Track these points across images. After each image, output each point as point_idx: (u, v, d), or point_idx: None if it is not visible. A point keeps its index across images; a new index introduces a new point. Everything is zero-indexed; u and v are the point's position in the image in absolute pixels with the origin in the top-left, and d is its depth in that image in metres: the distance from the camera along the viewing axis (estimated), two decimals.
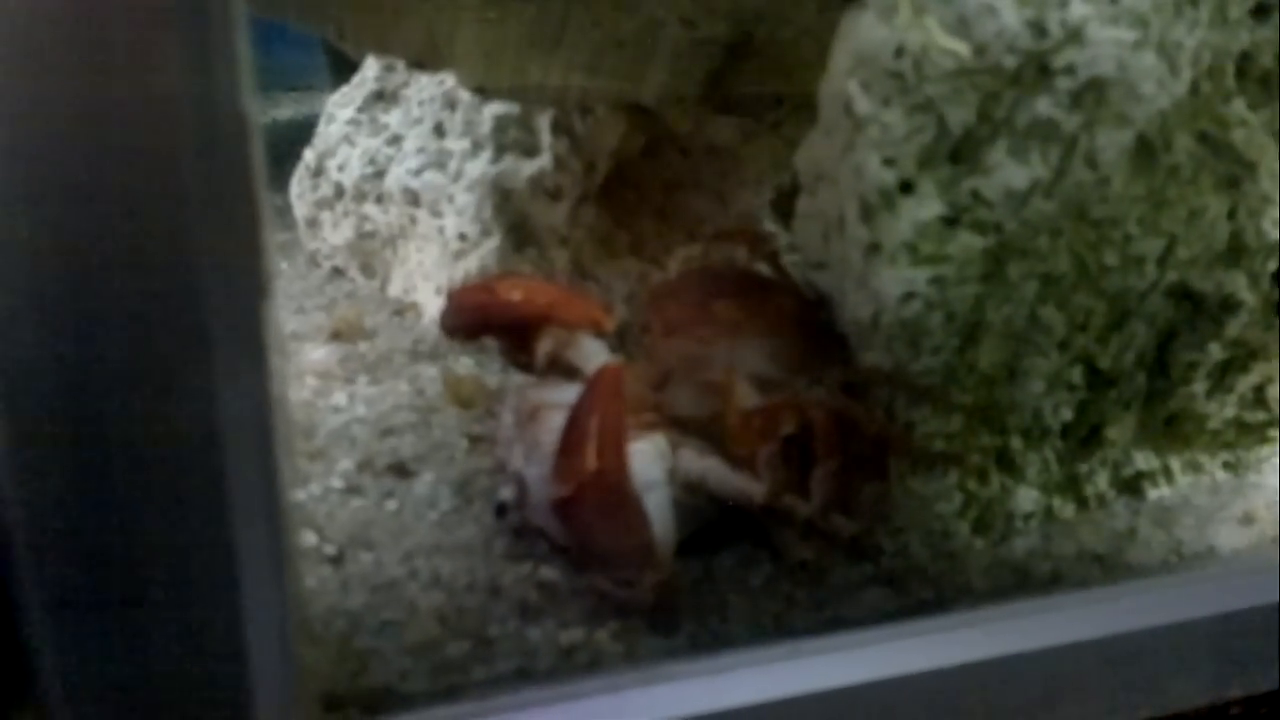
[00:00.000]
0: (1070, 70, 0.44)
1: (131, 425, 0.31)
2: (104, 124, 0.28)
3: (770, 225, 0.67)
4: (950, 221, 0.46)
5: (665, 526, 0.48)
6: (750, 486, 0.49)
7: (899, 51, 0.45)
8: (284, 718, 0.37)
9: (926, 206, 0.46)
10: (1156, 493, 0.58)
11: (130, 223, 0.29)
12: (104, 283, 0.29)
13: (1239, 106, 0.47)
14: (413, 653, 0.45)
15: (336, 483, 0.55)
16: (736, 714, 0.42)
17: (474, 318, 0.56)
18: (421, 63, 0.60)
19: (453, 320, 0.57)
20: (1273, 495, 0.58)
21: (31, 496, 0.31)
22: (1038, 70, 0.44)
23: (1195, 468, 0.59)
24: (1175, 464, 0.58)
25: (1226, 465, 0.59)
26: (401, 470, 0.57)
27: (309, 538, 0.51)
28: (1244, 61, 0.47)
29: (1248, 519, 0.56)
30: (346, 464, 0.57)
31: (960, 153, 0.46)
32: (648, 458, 0.49)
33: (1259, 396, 0.57)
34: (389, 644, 0.45)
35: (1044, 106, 0.45)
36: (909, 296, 0.47)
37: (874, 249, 0.47)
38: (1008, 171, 0.45)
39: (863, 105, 0.46)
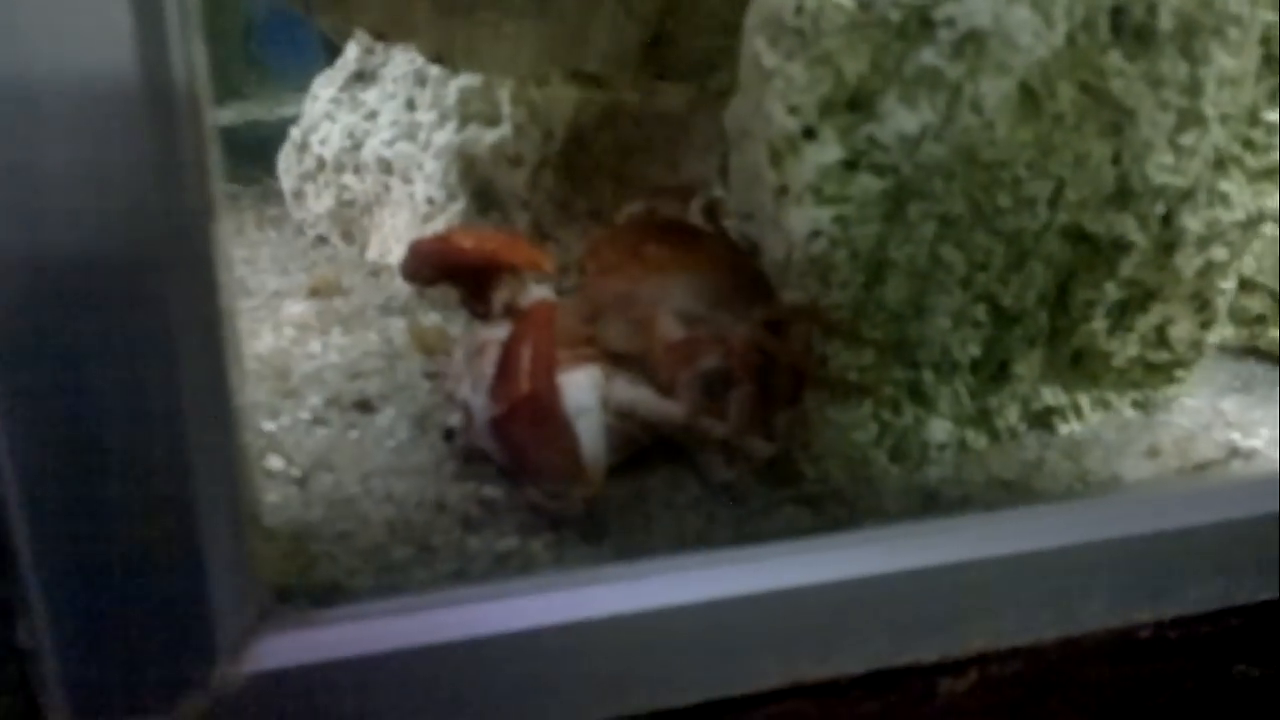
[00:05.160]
0: (950, 23, 0.48)
1: (92, 333, 0.35)
2: None
3: (719, 188, 0.71)
4: (850, 165, 0.50)
5: (597, 448, 0.52)
6: (674, 410, 0.54)
7: (799, 9, 0.49)
8: (238, 603, 0.42)
9: (828, 151, 0.50)
10: (1067, 428, 0.61)
11: (87, 151, 0.33)
12: (67, 210, 0.33)
13: (1115, 58, 0.52)
14: (361, 555, 0.49)
15: (305, 415, 0.60)
16: (654, 614, 0.46)
17: (430, 264, 0.61)
18: (383, 34, 0.65)
19: (411, 267, 0.61)
20: (1178, 431, 0.62)
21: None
22: (920, 23, 0.49)
23: (1105, 405, 0.63)
24: (1085, 401, 0.62)
25: (1135, 404, 0.63)
26: (365, 406, 0.61)
27: (277, 463, 0.56)
28: (1117, 16, 0.51)
29: (1153, 452, 0.60)
30: (315, 400, 0.62)
31: (857, 101, 0.50)
32: (582, 386, 0.54)
33: (1161, 337, 0.61)
34: (340, 548, 0.50)
35: (929, 57, 0.49)
36: (815, 235, 0.51)
37: (782, 191, 0.51)
38: (900, 118, 0.50)
39: (769, 60, 0.50)
